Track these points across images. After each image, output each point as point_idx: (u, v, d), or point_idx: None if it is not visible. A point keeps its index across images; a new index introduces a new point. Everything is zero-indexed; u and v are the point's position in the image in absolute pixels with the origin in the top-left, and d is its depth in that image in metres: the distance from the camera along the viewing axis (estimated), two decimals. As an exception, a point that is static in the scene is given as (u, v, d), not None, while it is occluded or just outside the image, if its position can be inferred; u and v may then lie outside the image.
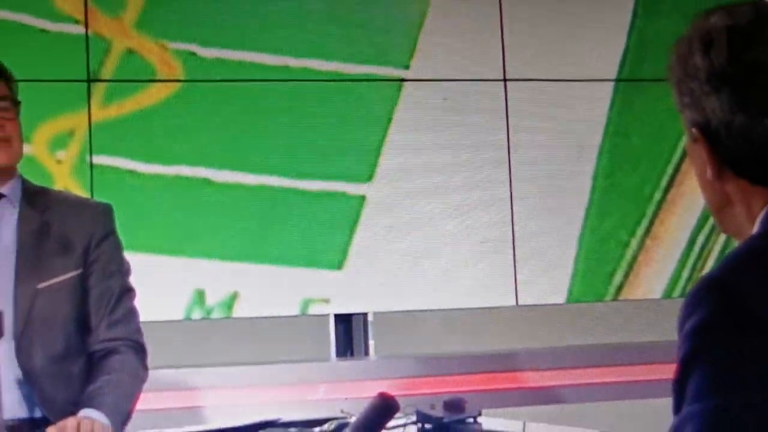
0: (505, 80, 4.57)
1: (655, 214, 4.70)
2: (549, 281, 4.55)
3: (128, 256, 2.87)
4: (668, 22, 4.73)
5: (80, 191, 4.03)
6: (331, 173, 4.33)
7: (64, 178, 4.05)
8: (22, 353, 2.57)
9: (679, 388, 1.30)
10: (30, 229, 2.65)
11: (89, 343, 2.69)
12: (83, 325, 2.70)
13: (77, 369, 2.68)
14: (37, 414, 2.59)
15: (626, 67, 4.72)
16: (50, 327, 2.61)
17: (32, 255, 2.63)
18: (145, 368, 2.76)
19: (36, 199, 2.69)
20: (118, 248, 2.78)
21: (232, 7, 4.29)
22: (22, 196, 2.68)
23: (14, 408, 2.56)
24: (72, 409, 2.53)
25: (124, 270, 2.79)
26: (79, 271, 2.65)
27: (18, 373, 2.57)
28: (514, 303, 4.50)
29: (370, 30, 4.43)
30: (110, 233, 2.76)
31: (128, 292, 2.77)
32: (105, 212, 2.78)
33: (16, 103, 2.66)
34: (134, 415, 2.66)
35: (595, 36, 4.69)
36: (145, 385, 3.95)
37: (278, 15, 4.33)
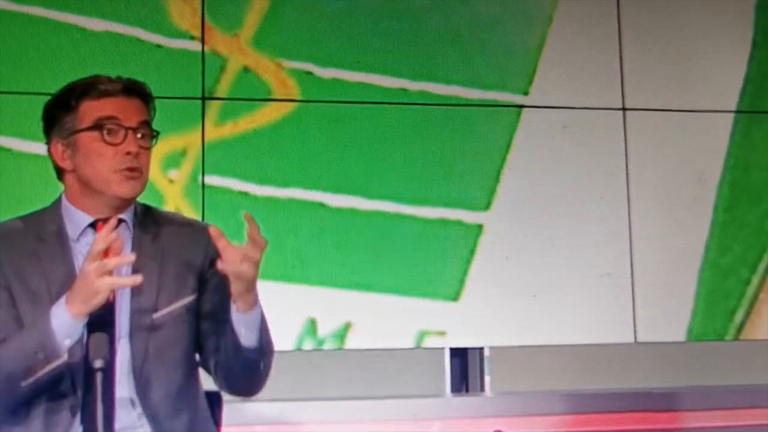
0: (624, 109, 4.07)
1: (777, 251, 4.15)
2: (668, 318, 4.03)
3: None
4: (789, 53, 4.23)
5: (191, 212, 3.60)
6: (449, 200, 3.86)
7: (175, 199, 3.60)
8: (141, 389, 2.21)
9: None
10: (144, 255, 2.26)
11: (205, 363, 2.33)
12: (198, 349, 2.33)
13: (194, 398, 2.31)
14: None
15: (746, 99, 4.20)
16: (169, 360, 2.24)
17: (146, 284, 2.22)
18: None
19: (147, 222, 2.34)
20: None
21: (349, 27, 3.86)
22: (134, 219, 2.32)
23: None
24: None
25: None
26: (193, 297, 2.29)
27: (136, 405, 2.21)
28: (633, 340, 3.95)
29: (490, 55, 3.97)
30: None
31: None
32: None
33: (154, 134, 2.30)
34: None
35: (715, 66, 4.20)
36: (254, 419, 3.48)
37: (397, 36, 3.89)
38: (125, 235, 2.26)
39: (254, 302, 2.18)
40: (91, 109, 2.23)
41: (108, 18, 3.63)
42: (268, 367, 2.30)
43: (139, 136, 2.23)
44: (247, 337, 2.19)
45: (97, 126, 2.21)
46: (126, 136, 2.21)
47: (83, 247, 2.24)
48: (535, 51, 4.03)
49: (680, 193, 4.11)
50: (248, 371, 2.26)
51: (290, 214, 3.71)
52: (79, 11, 3.61)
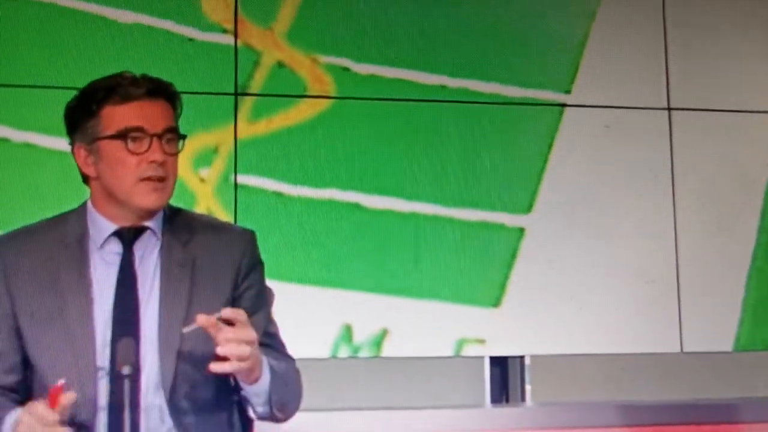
0: (669, 109, 3.89)
1: (827, 258, 3.97)
2: (715, 327, 3.84)
3: (271, 285, 2.30)
4: (839, 53, 4.04)
5: (223, 213, 3.42)
6: (489, 202, 3.69)
7: (206, 198, 3.42)
8: (171, 402, 2.08)
9: None
10: (173, 262, 2.14)
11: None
12: None
13: (226, 416, 2.19)
14: None
15: (794, 100, 4.02)
16: (200, 373, 2.07)
17: (175, 293, 2.11)
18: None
19: (176, 226, 2.19)
20: (263, 280, 2.27)
21: (387, 22, 3.68)
22: (163, 224, 2.18)
23: None
24: None
25: (268, 304, 2.28)
26: None
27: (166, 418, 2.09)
28: (680, 350, 3.77)
29: (532, 52, 3.80)
30: (257, 263, 2.24)
31: (272, 335, 2.24)
32: (251, 240, 2.26)
33: (181, 137, 2.16)
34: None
35: (763, 66, 4.03)
36: (286, 430, 3.29)
37: (436, 32, 3.72)
38: (151, 243, 2.14)
39: (258, 378, 2.06)
40: (114, 115, 2.09)
41: (138, 10, 3.47)
42: (292, 408, 2.20)
43: (164, 141, 2.09)
44: (256, 403, 2.11)
45: (121, 135, 2.08)
46: (151, 143, 2.08)
47: (107, 254, 2.13)
48: (578, 48, 3.85)
49: (727, 197, 3.93)
50: (265, 419, 2.17)
51: (325, 215, 3.54)
52: (108, 3, 3.45)
